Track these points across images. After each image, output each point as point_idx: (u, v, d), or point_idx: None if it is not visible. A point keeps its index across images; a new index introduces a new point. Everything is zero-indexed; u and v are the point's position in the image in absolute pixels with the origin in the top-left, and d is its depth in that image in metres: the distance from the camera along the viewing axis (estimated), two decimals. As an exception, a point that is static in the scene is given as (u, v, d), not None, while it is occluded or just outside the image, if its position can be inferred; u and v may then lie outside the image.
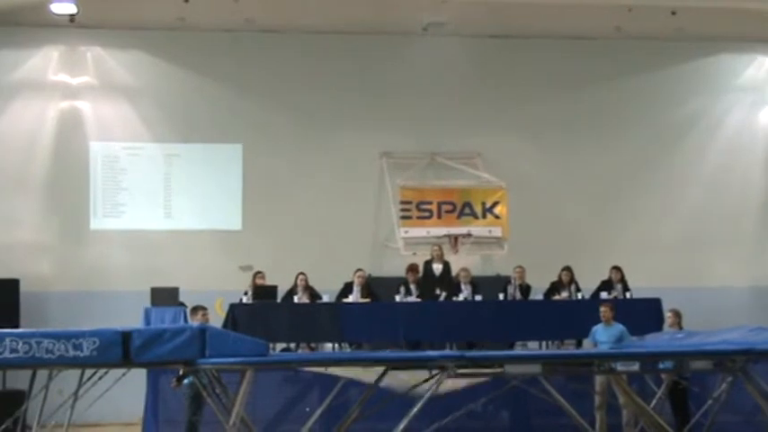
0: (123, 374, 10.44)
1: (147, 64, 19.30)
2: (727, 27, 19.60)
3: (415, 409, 9.53)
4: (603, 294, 16.97)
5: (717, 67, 20.75)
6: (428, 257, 17.80)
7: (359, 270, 17.13)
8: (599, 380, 13.68)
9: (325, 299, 16.83)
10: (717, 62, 20.74)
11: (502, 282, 17.71)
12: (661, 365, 11.31)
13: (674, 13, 18.79)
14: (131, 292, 17.34)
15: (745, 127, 20.73)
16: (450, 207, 19.10)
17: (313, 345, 16.67)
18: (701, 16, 18.96)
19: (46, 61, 19.08)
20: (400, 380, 11.99)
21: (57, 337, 9.26)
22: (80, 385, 10.33)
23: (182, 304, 16.18)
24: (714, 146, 20.54)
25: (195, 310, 13.89)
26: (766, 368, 11.49)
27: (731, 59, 20.80)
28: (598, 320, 14.63)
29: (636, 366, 10.52)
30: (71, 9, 17.96)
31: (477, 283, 17.27)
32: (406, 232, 18.73)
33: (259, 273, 17.08)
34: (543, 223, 19.33)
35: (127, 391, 11.90)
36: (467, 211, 19.05)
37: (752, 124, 20.77)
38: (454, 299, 16.92)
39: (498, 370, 10.25)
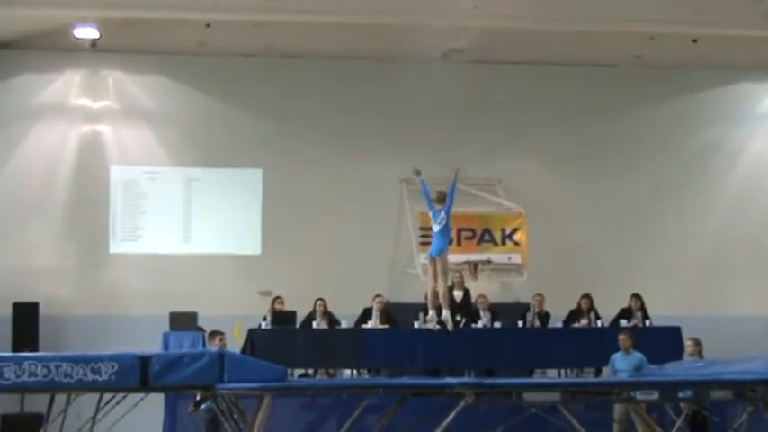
0: (141, 399, 10.44)
1: (167, 88, 19.39)
2: (748, 55, 19.60)
3: (434, 437, 9.49)
4: (623, 322, 16.89)
5: (737, 95, 20.73)
6: (448, 284, 17.74)
7: (378, 296, 17.08)
8: (618, 408, 13.61)
9: (344, 324, 16.78)
10: (737, 90, 20.72)
11: (521, 309, 17.65)
12: (681, 394, 11.23)
13: (695, 41, 18.82)
14: (150, 316, 17.32)
15: (765, 155, 20.66)
16: (469, 233, 19.10)
17: (331, 370, 16.64)
18: (722, 44, 18.96)
19: (67, 85, 19.20)
20: None
21: (75, 360, 9.26)
22: (98, 409, 10.33)
23: (200, 329, 16.19)
24: (734, 174, 20.49)
25: (213, 334, 13.95)
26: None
27: (752, 87, 20.79)
28: (617, 348, 14.58)
29: (655, 395, 10.44)
30: (93, 34, 18.13)
31: (496, 310, 17.22)
32: (426, 258, 18.68)
33: (278, 298, 17.07)
34: (563, 250, 19.28)
35: (145, 415, 11.89)
36: (486, 237, 19.05)
37: (772, 152, 20.75)
38: (473, 326, 16.87)
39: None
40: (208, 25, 17.86)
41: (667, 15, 17.52)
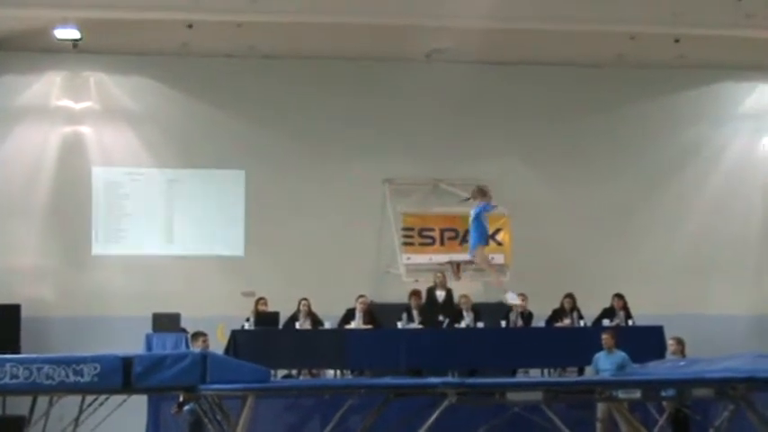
0: (124, 400, 10.42)
1: (150, 89, 19.34)
2: (729, 55, 19.66)
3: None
4: (606, 322, 16.97)
5: (719, 95, 20.78)
6: (430, 284, 17.78)
7: (361, 296, 17.11)
8: (601, 407, 13.66)
9: (327, 325, 16.80)
10: (719, 90, 20.78)
11: (504, 309, 17.67)
12: (663, 393, 11.27)
13: (676, 41, 18.85)
14: (133, 317, 17.30)
15: (747, 154, 20.74)
16: (452, 234, 19.08)
17: (314, 371, 16.64)
18: (704, 44, 19.00)
19: (49, 86, 19.12)
20: None
21: (57, 362, 9.25)
22: (81, 411, 10.31)
23: (183, 330, 16.17)
24: (716, 173, 20.54)
25: (196, 336, 13.93)
26: (768, 396, 11.47)
27: (733, 87, 20.85)
28: (600, 348, 14.64)
29: (638, 394, 10.48)
30: (74, 35, 18.01)
31: (479, 310, 17.26)
32: (409, 259, 18.73)
33: (261, 299, 17.05)
34: (546, 250, 19.30)
35: (128, 417, 11.87)
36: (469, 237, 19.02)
37: (753, 152, 20.80)
38: (456, 326, 16.89)
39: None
40: (190, 26, 17.80)
41: (649, 15, 17.56)
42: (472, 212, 12.79)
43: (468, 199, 12.93)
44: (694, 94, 20.63)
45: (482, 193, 12.76)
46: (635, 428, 12.05)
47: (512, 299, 13.33)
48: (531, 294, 17.42)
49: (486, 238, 13.20)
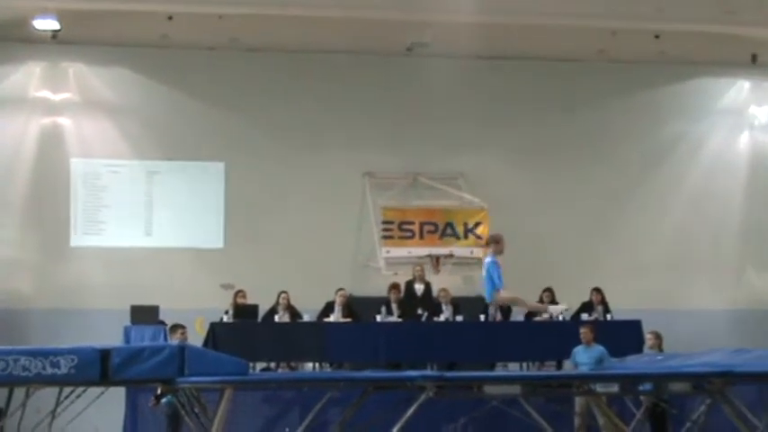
0: (102, 393, 10.39)
1: (129, 81, 19.26)
2: (709, 51, 19.72)
3: (395, 430, 9.49)
4: (584, 316, 17.01)
5: (698, 91, 20.84)
6: (410, 277, 17.79)
7: (340, 289, 17.10)
8: (579, 401, 13.69)
9: (306, 318, 16.79)
10: (698, 85, 20.84)
11: (483, 302, 17.66)
12: (640, 387, 11.31)
13: (657, 37, 18.93)
14: (111, 310, 17.23)
15: (726, 150, 20.81)
16: (432, 227, 19.11)
17: (293, 364, 16.62)
18: (684, 40, 19.09)
19: (27, 77, 19.02)
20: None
21: (34, 354, 9.19)
22: (58, 403, 10.27)
23: (162, 323, 16.13)
24: (695, 168, 20.61)
25: (174, 328, 13.88)
26: (745, 390, 11.52)
27: (712, 83, 20.91)
28: (579, 342, 14.66)
29: (615, 388, 10.51)
30: (54, 25, 17.97)
31: (458, 304, 17.26)
32: (388, 252, 18.73)
33: (240, 292, 17.01)
34: (525, 244, 19.17)
35: (105, 409, 11.83)
36: (449, 231, 19.07)
37: (732, 147, 20.87)
38: (435, 319, 16.90)
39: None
40: (170, 18, 17.77)
41: (630, 11, 17.62)
42: (485, 261, 12.61)
43: (489, 245, 12.78)
44: (674, 90, 20.69)
45: (495, 241, 12.66)
46: (613, 422, 12.08)
47: (555, 311, 13.39)
48: (509, 289, 17.38)
49: (494, 284, 12.87)
